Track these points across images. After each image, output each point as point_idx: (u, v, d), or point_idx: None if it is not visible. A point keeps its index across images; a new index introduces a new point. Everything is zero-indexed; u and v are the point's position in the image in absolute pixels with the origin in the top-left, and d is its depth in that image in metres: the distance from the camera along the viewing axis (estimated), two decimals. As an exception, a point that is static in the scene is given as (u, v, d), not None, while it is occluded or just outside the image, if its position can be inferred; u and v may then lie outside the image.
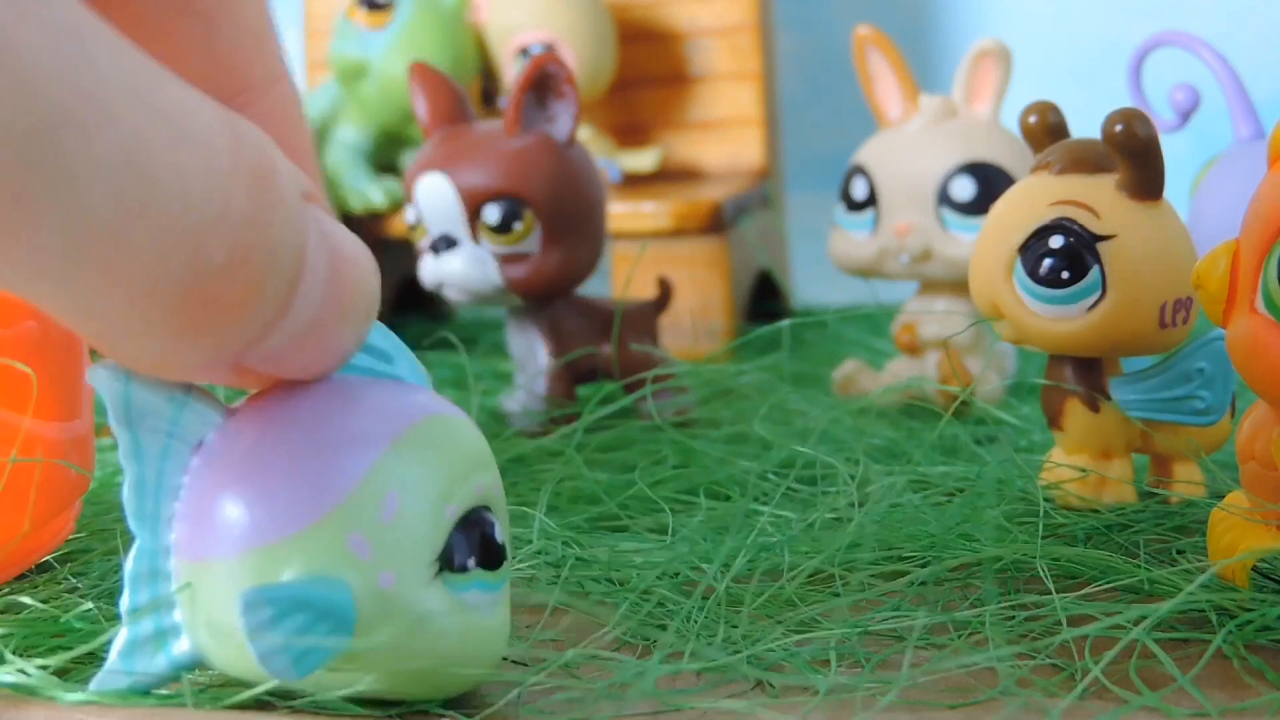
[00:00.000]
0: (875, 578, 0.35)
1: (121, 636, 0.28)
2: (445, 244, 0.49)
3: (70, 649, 0.30)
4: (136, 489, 0.27)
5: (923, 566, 0.35)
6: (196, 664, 0.28)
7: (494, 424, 0.51)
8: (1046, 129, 0.39)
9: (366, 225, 0.68)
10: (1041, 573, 0.34)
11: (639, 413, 0.49)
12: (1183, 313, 0.37)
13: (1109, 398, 0.39)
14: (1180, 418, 0.38)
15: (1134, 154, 0.36)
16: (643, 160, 0.72)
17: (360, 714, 0.27)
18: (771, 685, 0.29)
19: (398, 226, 0.68)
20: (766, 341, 0.56)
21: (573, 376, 0.51)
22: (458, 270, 0.49)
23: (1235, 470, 0.33)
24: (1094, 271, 0.37)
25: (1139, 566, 0.34)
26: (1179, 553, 0.36)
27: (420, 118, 0.51)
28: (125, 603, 0.28)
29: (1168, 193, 0.37)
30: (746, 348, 0.62)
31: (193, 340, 0.23)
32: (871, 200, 0.52)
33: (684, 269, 0.65)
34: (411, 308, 0.74)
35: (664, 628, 0.32)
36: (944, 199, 0.51)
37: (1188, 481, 0.39)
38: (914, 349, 0.53)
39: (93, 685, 0.28)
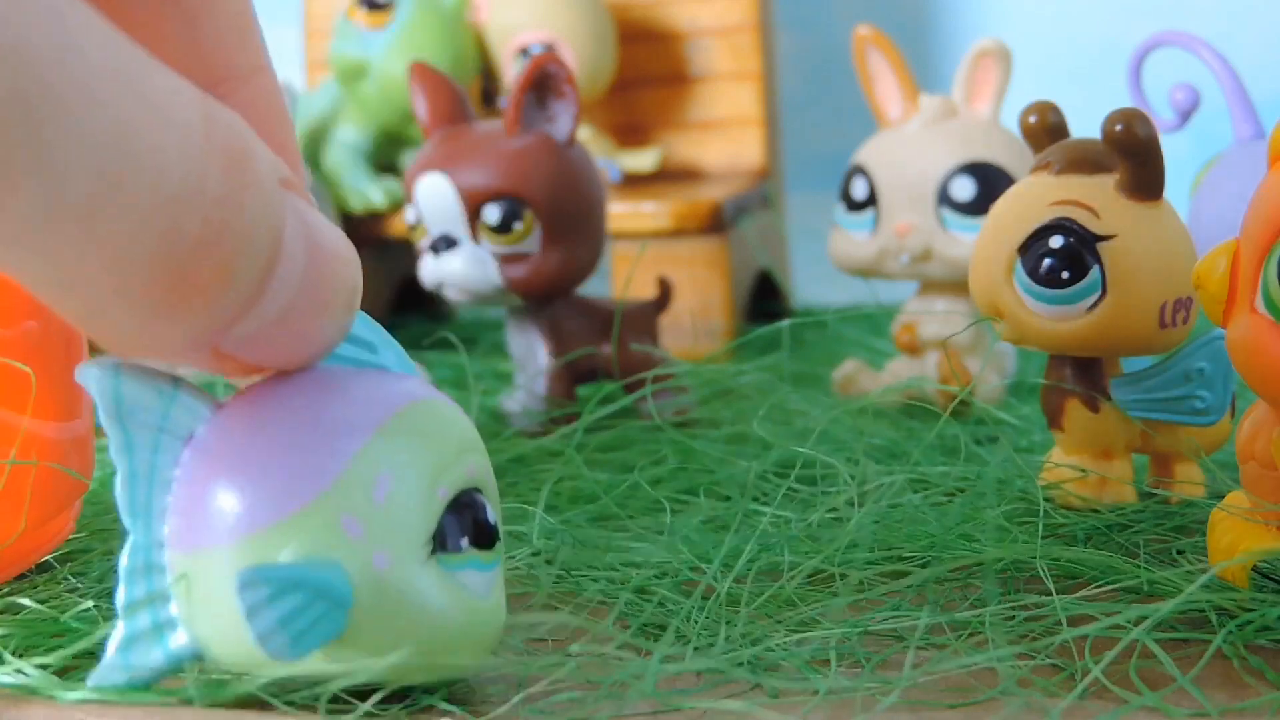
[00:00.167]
0: (875, 578, 0.35)
1: (118, 631, 0.28)
2: (445, 244, 0.49)
3: (70, 648, 0.30)
4: (128, 483, 0.27)
5: (923, 566, 0.35)
6: (194, 657, 0.28)
7: (494, 424, 0.51)
8: (1046, 129, 0.39)
9: (366, 225, 0.68)
10: (1042, 573, 0.34)
11: (639, 413, 0.49)
12: (1183, 313, 0.37)
13: (1109, 398, 0.39)
14: (1180, 418, 0.38)
15: (1134, 154, 0.36)
16: (643, 160, 0.72)
17: (361, 710, 0.27)
18: (771, 685, 0.29)
19: (398, 226, 0.68)
20: (766, 341, 0.56)
21: (573, 376, 0.51)
22: (458, 270, 0.49)
23: (1235, 470, 0.33)
24: (1094, 271, 0.37)
25: (1139, 567, 0.34)
26: (1179, 553, 0.36)
27: (420, 118, 0.51)
28: (121, 597, 0.28)
29: (1168, 193, 0.37)
30: (746, 348, 0.62)
31: (168, 318, 0.23)
32: (871, 200, 0.52)
33: (684, 269, 0.65)
34: (411, 308, 0.74)
35: (664, 628, 0.32)
36: (944, 199, 0.51)
37: (1188, 482, 0.39)
38: (914, 349, 0.53)
39: (90, 681, 0.28)
